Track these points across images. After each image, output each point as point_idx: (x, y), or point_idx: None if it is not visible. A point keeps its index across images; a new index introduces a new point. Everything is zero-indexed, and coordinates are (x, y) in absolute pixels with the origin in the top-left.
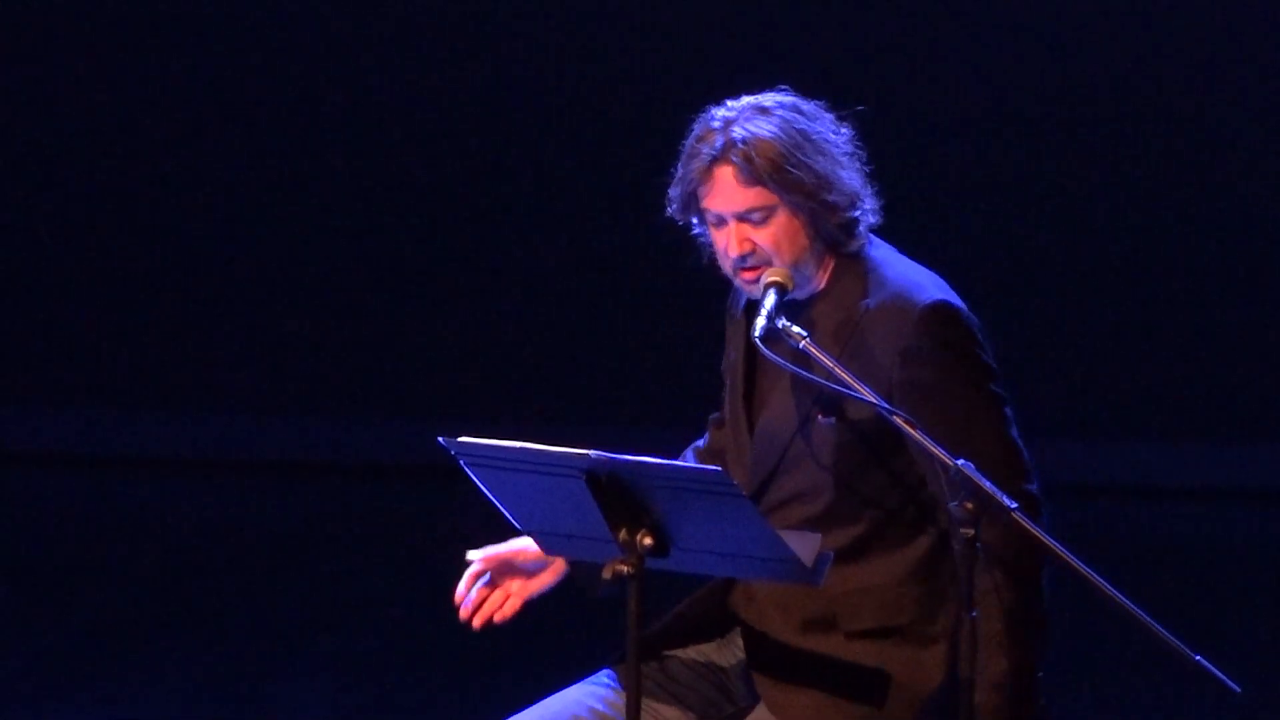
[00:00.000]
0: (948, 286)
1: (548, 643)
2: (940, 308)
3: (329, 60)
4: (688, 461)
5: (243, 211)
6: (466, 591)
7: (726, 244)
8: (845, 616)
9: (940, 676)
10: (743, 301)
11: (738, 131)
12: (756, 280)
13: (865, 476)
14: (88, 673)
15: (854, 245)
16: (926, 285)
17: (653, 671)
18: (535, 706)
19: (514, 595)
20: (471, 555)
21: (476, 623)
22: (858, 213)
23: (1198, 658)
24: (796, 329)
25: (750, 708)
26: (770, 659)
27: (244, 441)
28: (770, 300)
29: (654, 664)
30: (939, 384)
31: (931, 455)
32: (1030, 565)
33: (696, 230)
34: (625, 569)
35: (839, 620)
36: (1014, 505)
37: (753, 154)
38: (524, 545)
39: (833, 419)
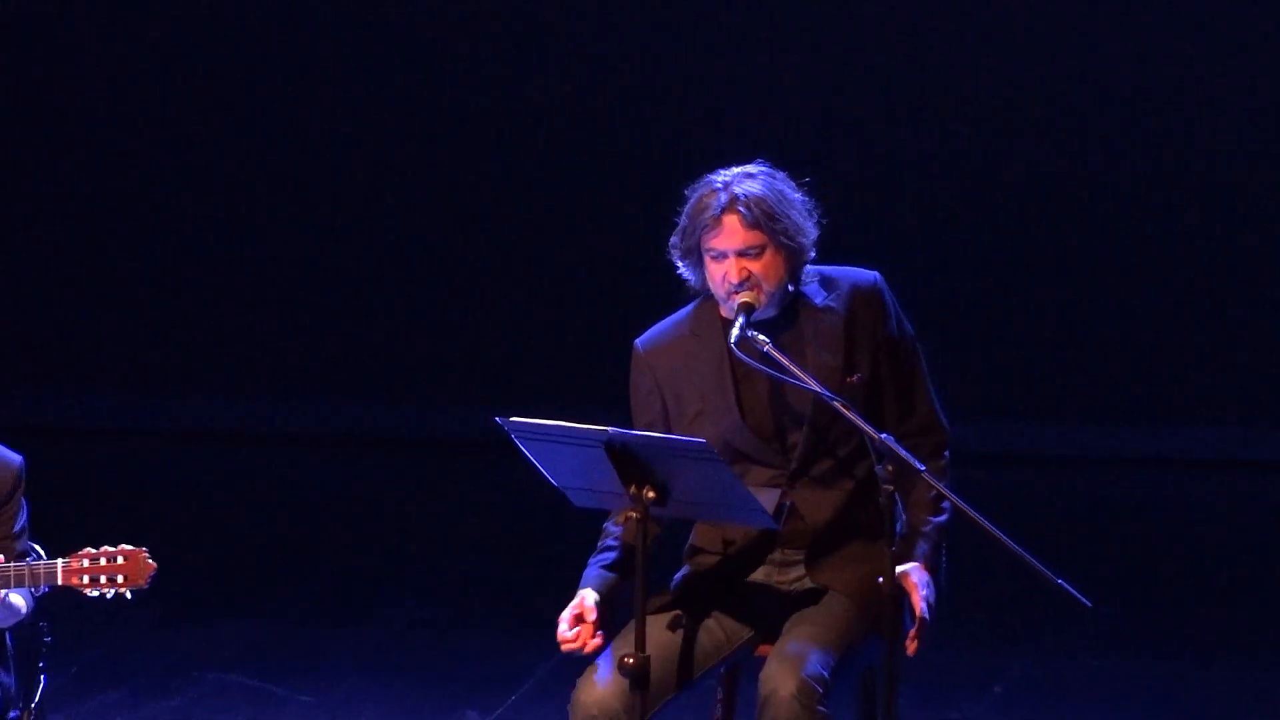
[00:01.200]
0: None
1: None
2: (880, 280)
3: (400, 66)
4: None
5: (334, 215)
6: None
7: (727, 273)
8: (865, 527)
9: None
10: (733, 328)
11: (738, 189)
12: (748, 298)
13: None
14: (204, 610)
15: (803, 274)
16: (856, 269)
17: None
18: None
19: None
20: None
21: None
22: (814, 252)
23: (1060, 580)
24: (761, 336)
25: (778, 616)
26: (826, 558)
27: (334, 420)
28: (741, 318)
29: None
30: (902, 342)
31: (862, 430)
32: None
33: (681, 270)
34: (634, 514)
35: (862, 528)
36: (923, 468)
37: (752, 205)
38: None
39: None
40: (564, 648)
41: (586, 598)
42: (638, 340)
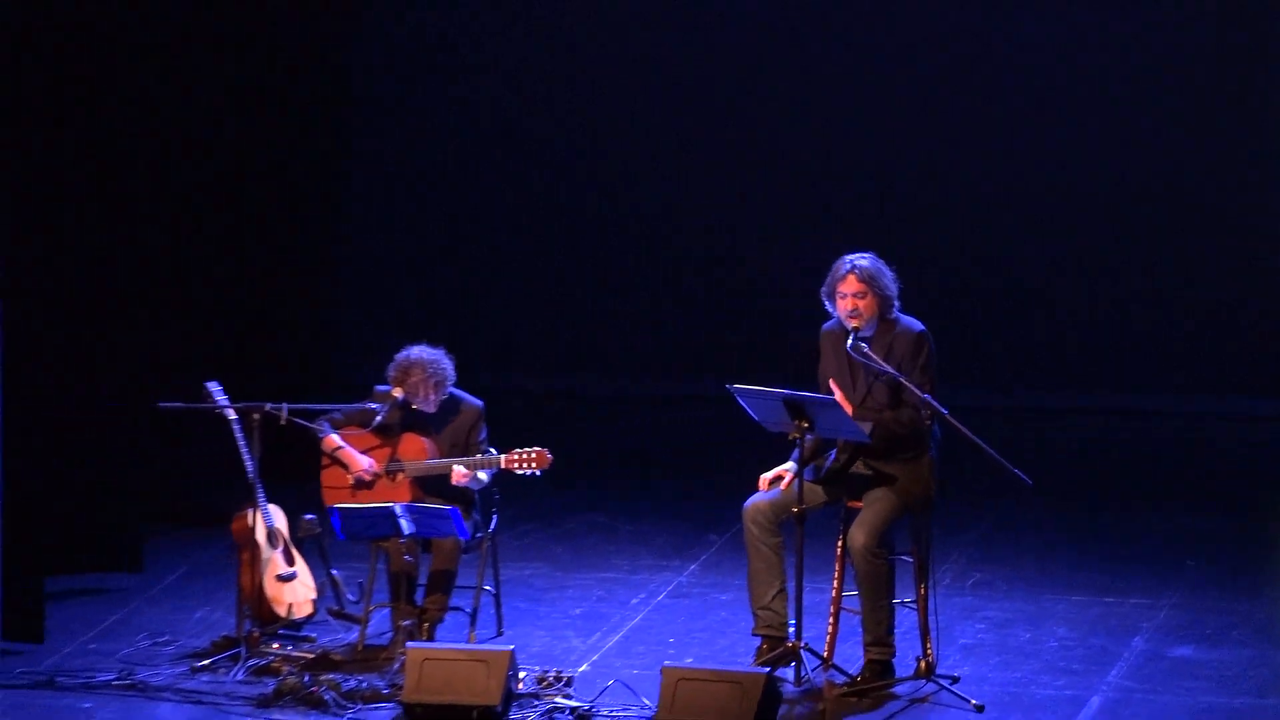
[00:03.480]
0: (920, 322)
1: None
2: (924, 333)
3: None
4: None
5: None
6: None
7: (847, 306)
8: (905, 444)
9: (926, 470)
10: (849, 337)
11: (857, 263)
12: (856, 323)
13: (897, 394)
14: (572, 480)
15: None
16: (915, 322)
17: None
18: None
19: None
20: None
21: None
22: (897, 301)
23: (1015, 470)
24: (863, 344)
25: (863, 487)
26: (885, 460)
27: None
28: (852, 334)
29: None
30: (917, 362)
31: (915, 395)
32: (920, 419)
33: (826, 305)
34: (798, 435)
35: (904, 445)
36: (945, 411)
37: (861, 271)
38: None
39: (887, 376)
40: (761, 485)
41: (785, 467)
42: (823, 326)
